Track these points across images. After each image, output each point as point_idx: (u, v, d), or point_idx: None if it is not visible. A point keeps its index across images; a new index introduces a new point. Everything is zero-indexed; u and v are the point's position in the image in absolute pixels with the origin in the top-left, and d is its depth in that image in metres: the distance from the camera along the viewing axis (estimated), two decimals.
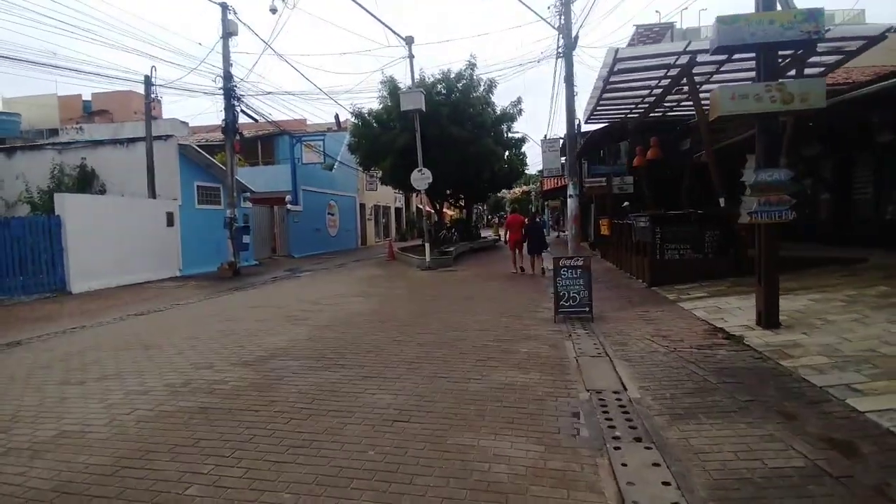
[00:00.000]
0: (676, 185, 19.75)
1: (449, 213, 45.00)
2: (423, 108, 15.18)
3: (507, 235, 14.42)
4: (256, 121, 16.96)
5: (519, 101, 21.78)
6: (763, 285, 6.05)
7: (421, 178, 15.38)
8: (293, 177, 23.90)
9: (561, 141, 31.59)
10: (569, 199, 13.83)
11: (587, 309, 7.53)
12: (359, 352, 5.98)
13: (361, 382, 4.82)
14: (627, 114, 16.28)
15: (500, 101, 21.69)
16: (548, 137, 31.99)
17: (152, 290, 12.60)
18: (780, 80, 6.23)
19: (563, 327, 7.17)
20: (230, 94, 15.83)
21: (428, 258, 15.21)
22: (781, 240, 11.00)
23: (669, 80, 11.86)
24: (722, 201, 10.50)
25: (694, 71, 10.76)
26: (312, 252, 24.35)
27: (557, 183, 33.98)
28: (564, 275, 7.67)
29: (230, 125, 15.73)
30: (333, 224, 28.01)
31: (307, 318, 8.16)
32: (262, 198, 23.28)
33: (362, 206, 33.12)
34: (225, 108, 15.89)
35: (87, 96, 34.35)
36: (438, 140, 19.14)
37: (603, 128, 23.12)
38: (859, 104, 10.45)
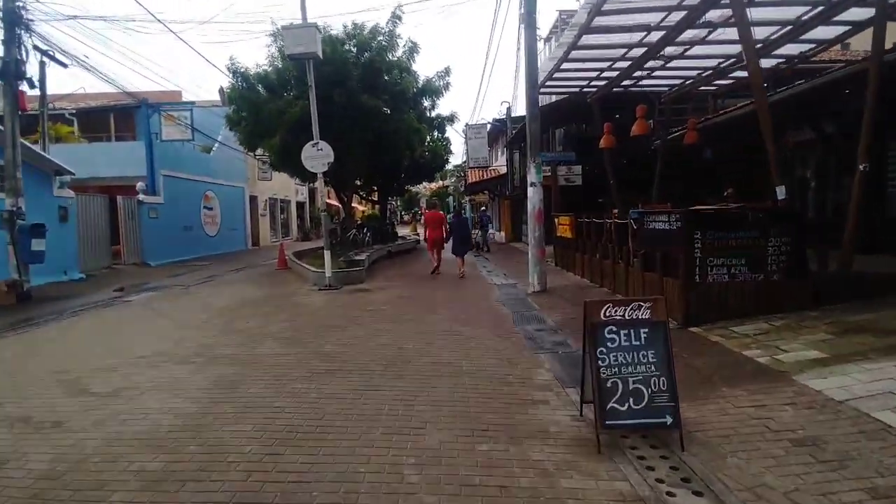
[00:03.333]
0: (636, 174, 16.54)
1: (360, 208, 40.05)
2: (319, 54, 10.44)
3: (426, 234, 13.23)
4: (65, 66, 11.31)
5: (447, 71, 17.48)
6: None
7: (317, 155, 10.62)
8: (149, 157, 18.01)
9: (488, 126, 27.92)
10: (529, 189, 9.79)
11: (669, 419, 3.37)
12: None
13: None
14: (591, 81, 12.61)
15: (422, 71, 17.99)
16: (471, 123, 28.21)
17: None
18: None
19: (632, 475, 3.00)
20: (13, 19, 10.12)
21: (328, 273, 10.48)
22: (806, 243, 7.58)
23: (686, 10, 8.12)
24: (781, 191, 6.89)
25: None
26: (180, 258, 18.60)
27: (483, 175, 30.31)
28: (614, 342, 3.48)
29: (11, 66, 10.03)
30: (212, 221, 22.22)
31: None
32: (103, 185, 17.29)
33: (254, 198, 27.39)
34: (5, 41, 10.16)
35: None
36: (346, 111, 14.48)
37: (548, 106, 19.54)
38: None
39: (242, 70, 15.26)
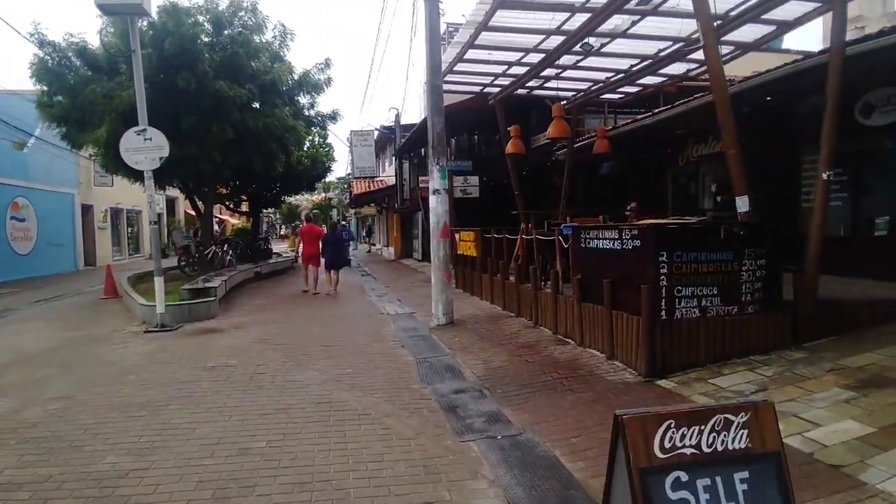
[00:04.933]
0: (535, 187, 15.56)
1: (232, 221, 35.69)
2: (148, 8, 7.68)
3: (301, 248, 12.46)
4: None
5: (327, 63, 15.19)
6: None
7: (143, 146, 7.76)
8: None
9: (376, 132, 25.81)
10: (431, 198, 7.91)
11: None
12: None
13: None
14: (495, 79, 11.07)
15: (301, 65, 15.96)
16: (357, 130, 25.89)
17: None
18: None
19: None
20: None
21: (160, 308, 7.65)
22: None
23: None
24: (743, 202, 5.65)
25: None
26: None
27: (370, 186, 28.10)
28: (685, 491, 1.59)
29: None
30: (23, 235, 17.56)
31: None
32: None
33: (88, 207, 22.60)
34: None
35: None
36: (197, 100, 11.62)
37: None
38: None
39: (53, 40, 11.77)
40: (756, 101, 9.11)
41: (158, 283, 7.58)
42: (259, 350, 6.53)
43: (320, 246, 12.09)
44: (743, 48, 8.95)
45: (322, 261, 12.21)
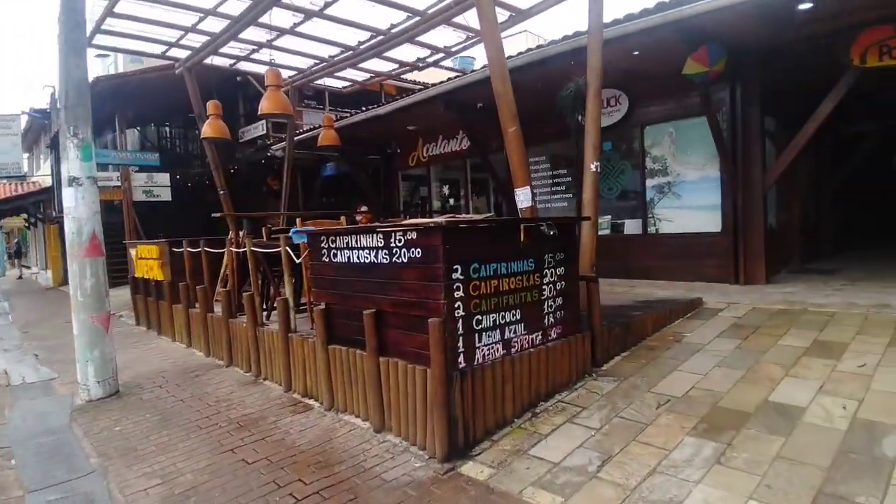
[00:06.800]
0: (247, 189, 12.98)
1: None
2: None
3: None
4: None
5: None
6: None
7: None
8: None
9: (24, 117, 18.48)
10: (67, 191, 4.76)
11: None
12: None
13: None
14: (185, 35, 8.12)
15: None
16: None
17: None
18: None
19: None
20: None
21: None
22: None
23: None
24: (525, 195, 4.53)
25: None
26: None
27: (18, 189, 20.28)
28: None
29: None
30: None
31: None
32: None
33: None
34: None
35: None
36: None
37: (111, 79, 13.31)
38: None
39: None
40: (470, 102, 8.51)
41: None
42: None
43: None
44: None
45: None
